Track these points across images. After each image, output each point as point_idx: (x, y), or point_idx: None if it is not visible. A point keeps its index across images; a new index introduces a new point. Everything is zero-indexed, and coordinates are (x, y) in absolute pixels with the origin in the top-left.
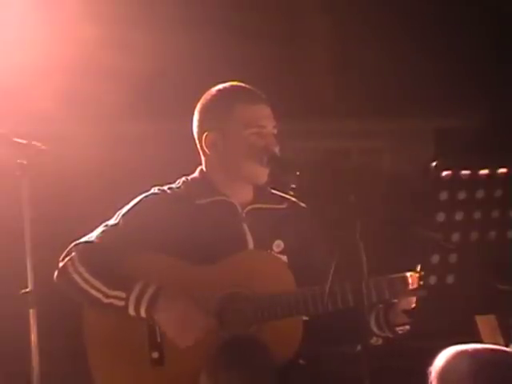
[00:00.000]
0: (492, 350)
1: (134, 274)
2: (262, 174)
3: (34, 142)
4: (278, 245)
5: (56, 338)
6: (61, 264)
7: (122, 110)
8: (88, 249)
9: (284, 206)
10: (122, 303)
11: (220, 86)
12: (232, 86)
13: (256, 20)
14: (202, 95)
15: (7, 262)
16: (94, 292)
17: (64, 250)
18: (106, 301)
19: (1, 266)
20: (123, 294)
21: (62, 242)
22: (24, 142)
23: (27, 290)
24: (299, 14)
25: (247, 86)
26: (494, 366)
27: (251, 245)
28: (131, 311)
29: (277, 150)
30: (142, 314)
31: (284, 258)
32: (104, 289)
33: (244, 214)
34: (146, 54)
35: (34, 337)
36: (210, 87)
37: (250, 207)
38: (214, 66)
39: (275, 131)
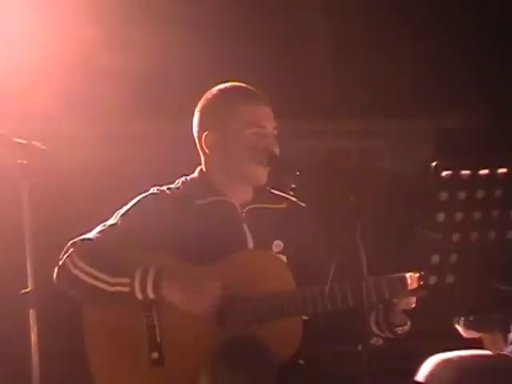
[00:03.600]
0: (477, 356)
1: (133, 261)
2: (262, 174)
3: (34, 142)
4: (278, 245)
5: (56, 338)
6: (59, 263)
7: (121, 110)
8: (85, 244)
9: (284, 205)
10: (127, 289)
11: (221, 86)
12: (233, 86)
13: (256, 20)
14: (202, 95)
15: (7, 262)
16: (97, 283)
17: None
18: (111, 289)
19: (1, 266)
20: (127, 280)
21: (61, 242)
22: (24, 142)
23: (27, 290)
24: (300, 15)
25: (248, 86)
26: (477, 373)
27: (251, 245)
28: (138, 294)
29: (277, 150)
30: (150, 294)
31: (283, 258)
32: (107, 278)
33: (244, 214)
34: (146, 54)
35: (34, 337)
36: (211, 87)
37: (249, 207)
38: (214, 66)
39: (275, 132)
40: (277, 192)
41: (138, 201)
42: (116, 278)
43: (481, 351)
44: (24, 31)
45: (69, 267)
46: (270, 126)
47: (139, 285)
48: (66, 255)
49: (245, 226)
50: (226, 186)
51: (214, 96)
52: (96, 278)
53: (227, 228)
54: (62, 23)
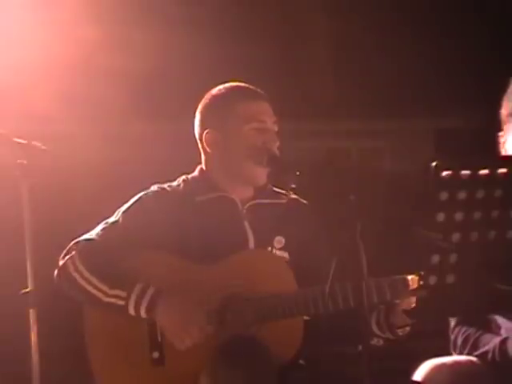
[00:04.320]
0: (471, 361)
1: (134, 273)
2: (262, 174)
3: (34, 142)
4: (279, 241)
5: (56, 338)
6: (61, 262)
7: (121, 110)
8: (88, 247)
9: (284, 201)
10: (122, 302)
11: (220, 86)
12: (232, 85)
13: (257, 20)
14: (202, 95)
15: (7, 261)
16: (94, 291)
17: (64, 250)
18: (105, 300)
19: (1, 266)
20: (124, 294)
21: (62, 241)
22: (24, 142)
23: (27, 290)
24: (300, 15)
25: (247, 84)
26: (472, 378)
27: (252, 241)
28: (131, 311)
29: (277, 145)
30: (143, 314)
31: (285, 254)
32: (104, 288)
33: (244, 211)
34: (146, 53)
35: (33, 337)
36: (210, 87)
37: (250, 203)
38: (214, 66)
39: (276, 128)
40: (278, 189)
41: (139, 198)
42: (113, 290)
43: (473, 358)
44: (24, 31)
45: (69, 269)
46: (270, 120)
47: (134, 303)
48: (68, 256)
49: (246, 223)
50: (226, 184)
51: (213, 96)
52: (93, 286)
53: (228, 224)
54: (62, 23)
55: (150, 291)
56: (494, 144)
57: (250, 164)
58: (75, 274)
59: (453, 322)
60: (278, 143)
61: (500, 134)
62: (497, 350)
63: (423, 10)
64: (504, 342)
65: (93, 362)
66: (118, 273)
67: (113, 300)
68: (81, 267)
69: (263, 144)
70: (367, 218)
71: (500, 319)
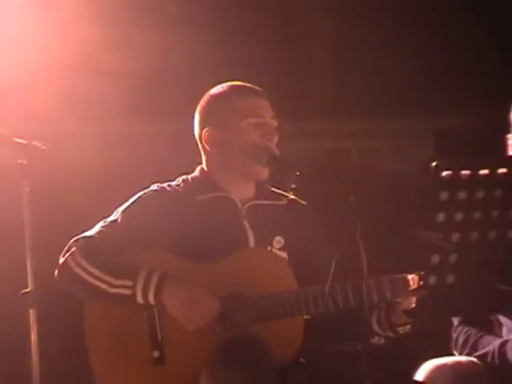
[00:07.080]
0: (472, 362)
1: (136, 265)
2: (263, 172)
3: (34, 142)
4: (279, 241)
5: (56, 338)
6: (61, 260)
7: (122, 110)
8: (88, 243)
9: (284, 202)
10: (128, 292)
11: (218, 86)
12: (230, 84)
13: (256, 20)
14: (202, 95)
15: (7, 261)
16: (99, 283)
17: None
18: (112, 291)
19: (1, 266)
20: (130, 283)
21: (62, 242)
22: (24, 142)
23: (27, 290)
24: (300, 15)
25: (245, 83)
26: (473, 379)
27: (252, 241)
28: (139, 299)
29: (276, 140)
30: (151, 300)
31: (284, 254)
32: (109, 279)
33: (244, 211)
34: (146, 53)
35: (34, 337)
36: (210, 87)
37: (250, 203)
38: (214, 66)
39: (275, 123)
40: (277, 190)
41: (139, 197)
42: (118, 280)
43: (474, 358)
44: (24, 31)
45: (71, 265)
46: (268, 115)
47: (141, 290)
48: (69, 253)
49: (245, 223)
50: (227, 182)
51: (211, 95)
52: (98, 278)
53: (228, 224)
54: (62, 23)
55: (156, 275)
56: (493, 144)
57: (250, 162)
58: (77, 269)
59: (456, 321)
60: (276, 138)
61: (508, 136)
62: (496, 353)
63: (423, 10)
64: (503, 344)
65: (93, 362)
66: (121, 264)
67: (119, 290)
68: (83, 262)
69: (262, 138)
70: (367, 217)
71: (502, 318)
